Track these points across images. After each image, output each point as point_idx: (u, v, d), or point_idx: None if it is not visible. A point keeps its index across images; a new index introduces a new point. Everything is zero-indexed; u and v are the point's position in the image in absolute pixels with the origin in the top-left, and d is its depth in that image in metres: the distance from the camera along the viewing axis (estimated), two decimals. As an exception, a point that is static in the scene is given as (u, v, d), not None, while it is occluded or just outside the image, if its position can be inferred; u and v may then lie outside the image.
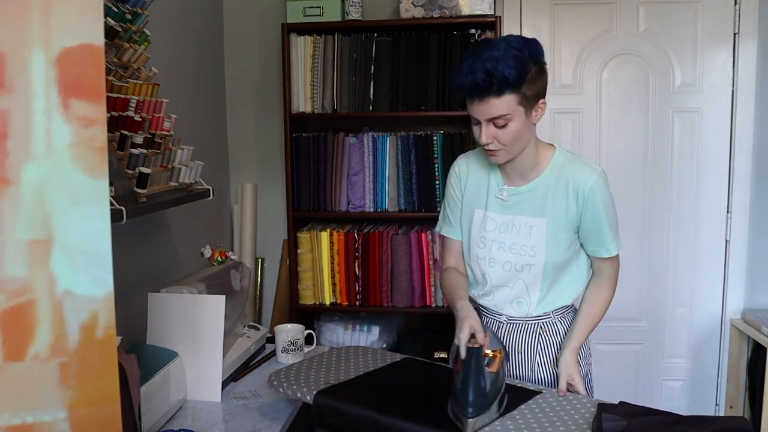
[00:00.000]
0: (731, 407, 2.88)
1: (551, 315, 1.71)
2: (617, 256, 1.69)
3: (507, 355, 1.69)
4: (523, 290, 1.68)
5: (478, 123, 1.55)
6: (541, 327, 1.71)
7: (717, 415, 2.92)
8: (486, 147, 1.57)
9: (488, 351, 1.45)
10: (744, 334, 2.81)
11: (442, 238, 1.83)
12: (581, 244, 1.69)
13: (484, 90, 1.48)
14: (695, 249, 2.89)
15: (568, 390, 1.60)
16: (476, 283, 1.77)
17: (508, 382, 1.57)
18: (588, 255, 1.71)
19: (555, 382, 1.68)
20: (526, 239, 1.64)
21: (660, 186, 2.88)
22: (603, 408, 1.43)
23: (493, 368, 1.44)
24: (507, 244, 1.66)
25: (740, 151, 2.81)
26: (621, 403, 1.46)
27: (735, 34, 2.76)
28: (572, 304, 1.74)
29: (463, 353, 1.44)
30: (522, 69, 1.47)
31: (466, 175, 1.74)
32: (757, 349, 2.77)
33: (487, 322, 1.75)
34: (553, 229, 1.63)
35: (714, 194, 2.86)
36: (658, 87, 2.83)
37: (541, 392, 1.58)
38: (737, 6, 2.74)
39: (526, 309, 1.70)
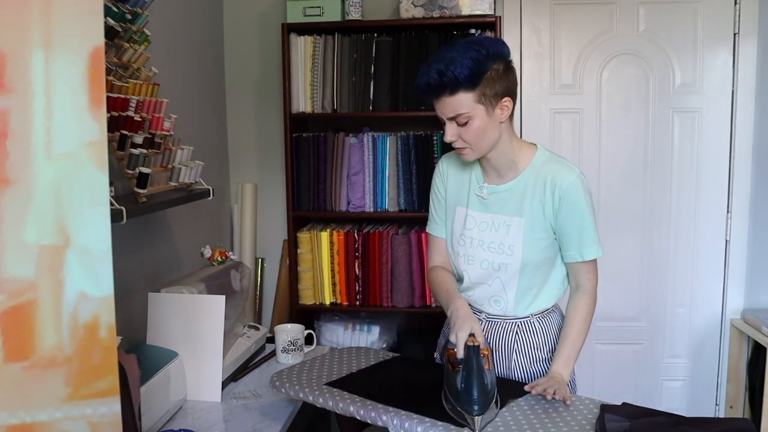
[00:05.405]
0: (731, 407, 2.88)
1: (530, 317, 1.71)
2: (594, 264, 1.68)
3: (492, 352, 1.71)
4: (500, 288, 1.69)
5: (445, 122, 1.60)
6: (518, 326, 1.72)
7: (717, 415, 2.93)
8: (453, 145, 1.62)
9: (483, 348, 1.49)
10: (744, 334, 2.81)
11: (429, 236, 1.86)
12: (562, 255, 1.68)
13: (437, 90, 1.54)
14: (695, 249, 2.89)
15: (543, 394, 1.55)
16: (459, 279, 1.79)
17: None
18: (567, 269, 1.70)
19: (530, 381, 1.67)
20: (504, 238, 1.66)
21: (660, 186, 2.88)
22: (606, 409, 1.43)
23: (487, 366, 1.46)
24: (486, 242, 1.68)
25: (740, 151, 2.81)
26: (624, 404, 1.46)
27: (735, 34, 2.76)
28: (551, 307, 1.74)
29: (461, 352, 1.47)
30: (477, 68, 1.51)
31: (447, 174, 1.78)
32: (757, 349, 2.77)
33: None
34: (530, 229, 1.64)
35: (714, 194, 2.86)
36: (658, 87, 2.83)
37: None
38: (737, 6, 2.74)
39: (503, 308, 1.71)
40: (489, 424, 1.41)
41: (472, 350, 1.44)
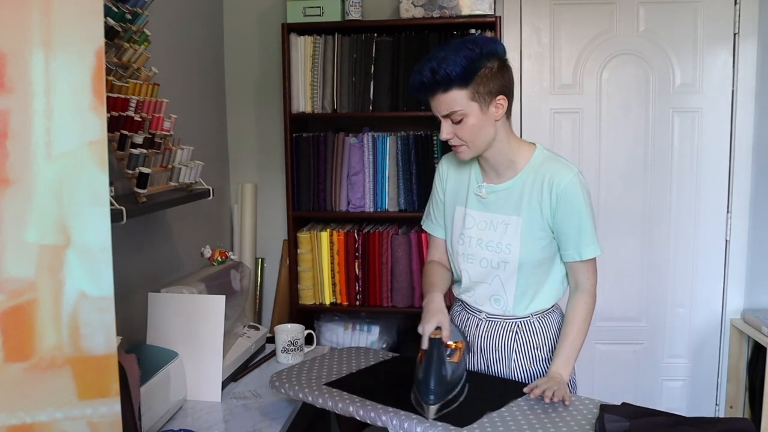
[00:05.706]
0: (731, 407, 2.88)
1: (530, 317, 1.72)
2: (593, 264, 1.68)
3: (468, 347, 1.74)
4: (500, 287, 1.70)
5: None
6: (518, 326, 1.72)
7: (717, 415, 2.92)
8: (449, 143, 1.63)
9: (450, 342, 1.54)
10: (744, 334, 2.81)
11: (428, 233, 1.88)
12: (560, 254, 1.69)
13: (430, 87, 1.56)
14: (695, 249, 2.89)
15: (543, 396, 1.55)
16: (458, 279, 1.79)
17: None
18: (566, 268, 1.70)
19: (530, 380, 1.68)
20: (502, 237, 1.66)
21: (660, 186, 2.88)
22: (605, 409, 1.43)
23: (455, 359, 1.51)
24: (484, 241, 1.69)
25: (740, 151, 2.81)
26: (623, 404, 1.46)
27: (735, 34, 2.76)
28: (551, 307, 1.74)
29: (425, 344, 1.51)
30: (470, 66, 1.52)
31: (446, 175, 1.79)
32: (757, 349, 2.77)
33: (467, 319, 1.78)
34: (528, 228, 1.64)
35: (714, 194, 2.86)
36: (658, 87, 2.83)
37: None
38: (737, 6, 2.74)
39: (503, 307, 1.71)
40: (448, 414, 1.43)
41: (434, 342, 1.49)
